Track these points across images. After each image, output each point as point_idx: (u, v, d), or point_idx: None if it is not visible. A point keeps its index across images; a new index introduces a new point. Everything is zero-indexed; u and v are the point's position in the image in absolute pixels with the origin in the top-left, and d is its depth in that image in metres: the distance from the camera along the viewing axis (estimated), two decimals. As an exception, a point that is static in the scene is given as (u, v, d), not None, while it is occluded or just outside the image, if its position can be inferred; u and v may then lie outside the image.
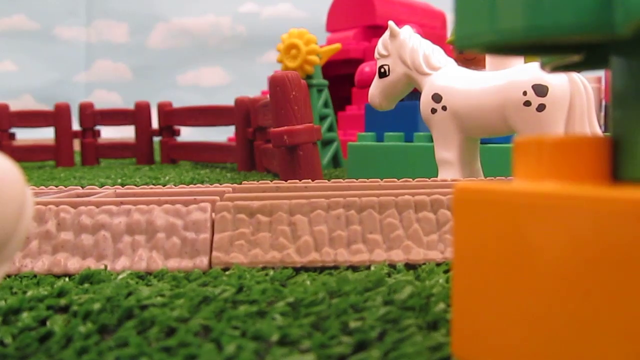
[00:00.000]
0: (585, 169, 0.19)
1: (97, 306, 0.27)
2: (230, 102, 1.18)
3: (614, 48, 0.19)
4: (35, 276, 0.34)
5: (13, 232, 0.19)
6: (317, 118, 1.08)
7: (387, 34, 0.63)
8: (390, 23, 0.62)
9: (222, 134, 1.55)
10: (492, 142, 0.69)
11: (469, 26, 0.19)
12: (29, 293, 0.30)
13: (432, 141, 0.61)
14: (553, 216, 0.17)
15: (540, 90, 0.52)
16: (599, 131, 0.52)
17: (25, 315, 0.27)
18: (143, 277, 0.34)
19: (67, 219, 0.36)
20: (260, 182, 0.46)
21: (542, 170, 0.19)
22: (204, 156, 1.23)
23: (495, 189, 0.19)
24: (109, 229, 0.36)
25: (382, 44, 0.63)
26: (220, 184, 0.46)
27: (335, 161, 1.11)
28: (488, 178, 0.50)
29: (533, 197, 0.18)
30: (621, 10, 0.16)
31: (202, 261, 0.35)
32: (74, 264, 0.35)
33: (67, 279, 0.33)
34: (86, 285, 0.32)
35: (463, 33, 0.20)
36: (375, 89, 0.63)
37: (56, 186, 0.48)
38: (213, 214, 0.36)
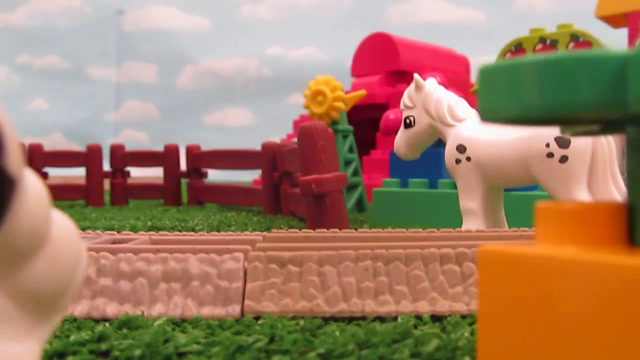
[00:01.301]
0: (603, 234, 0.20)
1: (137, 352, 0.29)
2: (255, 142, 1.20)
3: (630, 120, 0.21)
4: (75, 320, 0.36)
5: (69, 285, 0.21)
6: (343, 163, 1.10)
7: (412, 85, 0.65)
8: (416, 76, 0.64)
9: (248, 175, 1.58)
10: (516, 190, 0.70)
11: (493, 100, 0.21)
12: (72, 337, 0.31)
13: (456, 188, 0.63)
14: (572, 279, 0.18)
15: (563, 142, 0.53)
16: (621, 183, 0.53)
17: (70, 359, 0.29)
18: (178, 323, 0.35)
19: (107, 266, 0.38)
20: (290, 230, 0.48)
21: (562, 235, 0.20)
22: (230, 199, 1.26)
23: (518, 252, 0.20)
24: (146, 276, 0.37)
25: (407, 96, 0.65)
26: (251, 232, 0.48)
27: (360, 205, 1.12)
28: (512, 228, 0.51)
29: (553, 261, 0.19)
30: (634, 89, 0.18)
31: (235, 309, 0.36)
32: (112, 309, 0.37)
33: (106, 323, 0.35)
34: (125, 330, 0.33)
35: (487, 106, 0.21)
36: (401, 139, 0.65)
37: (89, 228, 0.50)
38: (245, 263, 0.38)
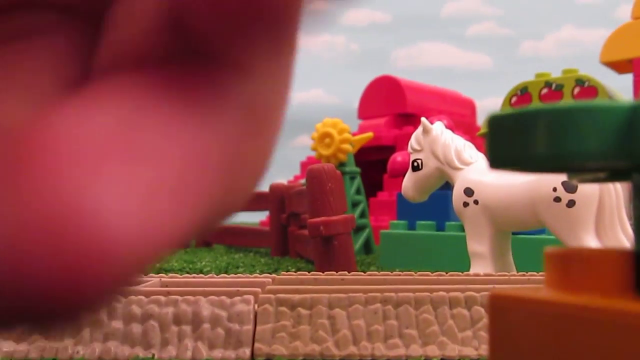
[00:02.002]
0: (611, 281, 0.20)
1: (149, 396, 0.29)
2: (262, 184, 1.21)
3: (637, 168, 0.21)
4: (86, 363, 0.36)
5: None
6: (350, 205, 1.11)
7: (420, 129, 0.66)
8: (423, 119, 0.65)
9: (255, 217, 1.58)
10: (523, 234, 0.70)
11: (501, 149, 0.21)
12: (83, 381, 0.32)
13: (463, 231, 0.63)
14: (583, 326, 0.19)
15: (570, 186, 0.54)
16: (629, 229, 0.54)
17: (82, 403, 0.29)
18: (189, 367, 0.35)
19: (118, 308, 0.38)
20: (298, 273, 0.48)
21: (571, 281, 0.21)
22: (238, 240, 1.26)
23: (529, 297, 0.20)
24: (157, 319, 0.38)
25: (415, 139, 0.65)
26: (259, 274, 0.48)
27: (367, 247, 1.12)
28: (520, 272, 0.51)
29: (564, 308, 0.19)
30: (640, 140, 0.18)
31: (245, 352, 0.36)
32: (124, 351, 0.37)
33: (117, 367, 0.35)
34: (136, 374, 0.33)
35: (495, 154, 0.22)
36: (409, 181, 0.65)
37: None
38: (256, 306, 0.38)
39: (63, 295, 0.06)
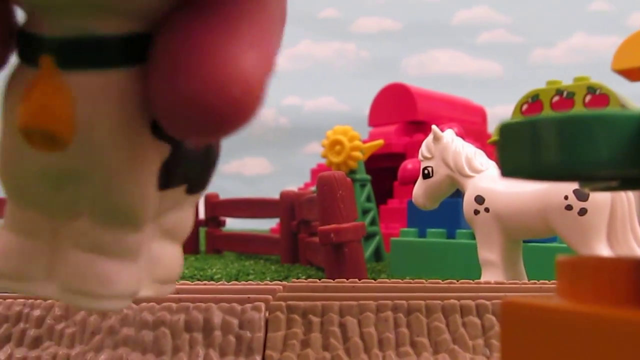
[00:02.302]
0: (623, 291, 0.20)
1: (160, 403, 0.29)
2: (273, 191, 1.21)
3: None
4: (97, 370, 0.36)
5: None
6: (360, 212, 1.11)
7: (430, 136, 0.66)
8: (434, 127, 0.65)
9: (265, 224, 1.58)
10: (535, 242, 0.70)
11: (513, 158, 0.21)
12: (95, 387, 0.32)
13: (474, 238, 0.63)
14: (595, 334, 0.18)
15: (582, 194, 0.54)
16: (640, 236, 0.53)
17: (94, 409, 0.29)
18: (200, 374, 0.35)
19: (130, 315, 0.38)
20: (309, 280, 0.48)
21: (582, 290, 0.21)
22: (248, 247, 1.26)
23: (541, 305, 0.20)
24: (169, 326, 0.38)
25: (425, 147, 0.65)
26: (271, 280, 0.48)
27: (378, 255, 1.12)
28: (532, 281, 0.51)
29: (576, 316, 0.19)
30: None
31: (256, 359, 0.36)
32: (135, 358, 0.37)
33: (128, 373, 0.35)
34: (147, 380, 0.33)
35: (507, 163, 0.22)
36: (419, 189, 0.65)
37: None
38: (267, 313, 0.38)
39: (233, 109, 0.13)
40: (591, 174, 0.21)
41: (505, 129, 0.22)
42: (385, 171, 1.42)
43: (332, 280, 0.48)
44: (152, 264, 0.23)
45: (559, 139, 0.20)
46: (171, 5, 0.17)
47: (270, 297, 0.39)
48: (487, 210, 0.59)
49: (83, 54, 0.18)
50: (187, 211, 0.25)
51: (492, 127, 1.66)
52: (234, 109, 0.15)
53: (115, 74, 0.18)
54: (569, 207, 0.54)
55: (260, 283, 0.47)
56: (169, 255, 0.25)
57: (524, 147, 0.21)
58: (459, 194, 0.66)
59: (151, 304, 0.39)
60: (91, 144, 0.18)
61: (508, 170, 0.22)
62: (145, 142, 0.19)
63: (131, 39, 0.18)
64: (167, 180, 0.20)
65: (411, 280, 0.48)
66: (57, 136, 0.17)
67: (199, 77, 0.15)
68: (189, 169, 0.21)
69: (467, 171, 0.62)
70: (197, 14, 0.16)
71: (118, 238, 0.20)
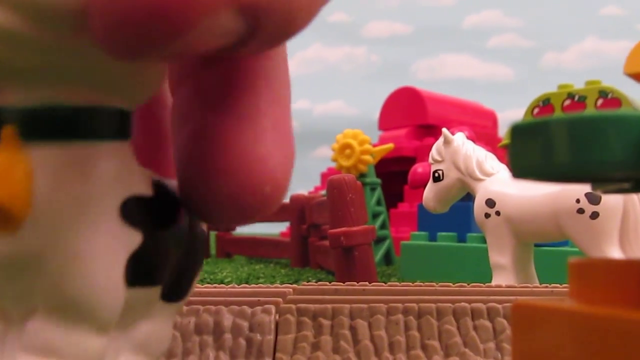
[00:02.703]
0: (635, 293, 0.20)
1: (170, 405, 0.29)
2: (284, 196, 1.21)
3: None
4: (108, 371, 0.36)
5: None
6: (371, 216, 1.11)
7: (441, 140, 0.65)
8: (444, 130, 0.65)
9: (275, 228, 1.59)
10: (547, 246, 0.69)
11: (524, 158, 0.21)
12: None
13: (485, 242, 0.63)
14: (606, 336, 0.18)
15: (594, 198, 0.53)
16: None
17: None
18: (210, 376, 0.35)
19: (140, 317, 0.38)
20: (319, 283, 0.48)
21: (595, 292, 0.20)
22: (258, 251, 1.26)
23: (552, 307, 0.20)
24: (179, 329, 0.38)
25: (436, 150, 0.65)
26: (281, 284, 0.48)
27: (388, 258, 1.12)
28: (543, 284, 0.50)
29: (588, 318, 0.19)
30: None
31: (266, 362, 0.36)
32: (145, 360, 0.37)
33: (139, 375, 0.35)
34: (157, 382, 0.33)
35: (518, 164, 0.22)
36: (430, 192, 0.65)
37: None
38: (277, 316, 0.38)
39: (182, 11, 0.12)
40: (603, 175, 0.21)
41: (517, 130, 0.22)
42: (395, 175, 1.41)
43: (342, 283, 0.48)
44: None
45: (570, 139, 0.20)
46: (152, 87, 0.16)
47: (280, 299, 0.39)
48: (498, 213, 0.59)
49: (46, 124, 0.16)
50: (163, 324, 0.20)
51: (502, 131, 1.66)
52: (266, 204, 0.16)
53: (82, 149, 0.16)
54: (580, 211, 0.53)
55: (271, 286, 0.47)
56: None
57: (535, 148, 0.21)
58: (469, 197, 0.66)
59: (162, 306, 0.39)
60: (48, 224, 0.16)
61: (519, 171, 0.22)
62: (112, 226, 0.16)
63: (102, 112, 0.16)
64: (136, 275, 0.17)
65: (422, 284, 0.48)
66: (10, 212, 0.15)
67: (236, 180, 0.15)
68: (164, 266, 0.18)
69: (478, 174, 0.62)
70: (223, 115, 0.17)
71: (75, 341, 0.17)
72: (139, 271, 0.17)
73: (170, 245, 0.18)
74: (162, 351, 0.20)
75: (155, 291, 0.19)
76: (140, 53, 0.12)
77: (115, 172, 0.16)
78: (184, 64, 0.18)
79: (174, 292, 0.20)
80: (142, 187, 0.17)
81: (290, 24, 0.13)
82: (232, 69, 0.16)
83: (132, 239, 0.17)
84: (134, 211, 0.17)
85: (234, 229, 1.40)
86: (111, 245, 0.17)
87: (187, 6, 0.11)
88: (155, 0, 0.11)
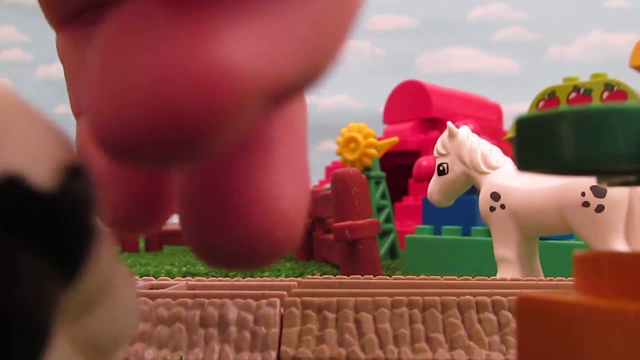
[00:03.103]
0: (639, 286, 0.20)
1: (176, 397, 0.29)
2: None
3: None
4: (114, 364, 0.37)
5: (127, 334, 0.20)
6: (375, 209, 1.11)
7: (445, 133, 0.65)
8: (449, 123, 0.65)
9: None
10: (552, 239, 0.69)
11: (529, 151, 0.21)
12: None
13: (489, 235, 0.63)
14: (612, 329, 0.18)
15: (599, 191, 0.53)
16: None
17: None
18: (215, 369, 0.35)
19: (146, 311, 0.39)
20: (324, 276, 0.48)
21: (600, 285, 0.20)
22: (263, 244, 1.26)
23: (557, 300, 0.20)
24: (184, 322, 0.38)
25: (441, 143, 0.65)
26: (286, 277, 0.49)
27: (392, 252, 1.12)
28: (548, 277, 0.50)
29: (593, 311, 0.19)
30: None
31: (271, 355, 0.36)
32: (150, 354, 0.37)
33: (144, 368, 0.36)
34: (163, 375, 0.34)
35: (523, 157, 0.22)
36: (434, 186, 0.65)
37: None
38: (282, 309, 0.38)
39: (204, 113, 0.09)
40: (608, 168, 0.21)
41: (522, 123, 0.22)
42: (400, 168, 1.41)
43: (347, 277, 0.48)
44: None
45: (576, 132, 0.20)
46: None
47: (285, 293, 0.39)
48: (502, 207, 0.59)
49: None
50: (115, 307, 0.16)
51: (508, 125, 1.66)
52: (278, 251, 0.13)
53: None
54: (586, 204, 0.53)
55: (275, 279, 0.47)
56: None
57: (540, 141, 0.21)
58: (474, 190, 0.66)
59: (167, 299, 0.39)
60: None
61: (524, 163, 0.22)
62: None
63: None
64: None
65: (426, 277, 0.48)
66: None
67: (244, 224, 0.13)
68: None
69: (483, 168, 0.61)
70: (232, 150, 0.14)
71: None
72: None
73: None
74: (121, 342, 0.16)
75: None
76: (170, 163, 0.10)
77: None
78: None
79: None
80: None
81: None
82: None
83: None
84: None
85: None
86: None
87: (205, 106, 0.09)
88: (163, 107, 0.09)
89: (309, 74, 0.11)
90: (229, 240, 0.13)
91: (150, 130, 0.09)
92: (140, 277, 0.49)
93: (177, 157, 0.09)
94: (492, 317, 0.37)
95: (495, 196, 0.59)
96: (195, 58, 0.09)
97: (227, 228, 0.13)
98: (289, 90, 0.11)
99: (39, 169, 0.09)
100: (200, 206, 0.14)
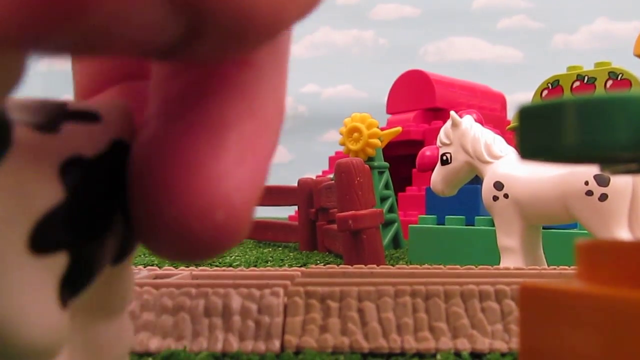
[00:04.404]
0: (645, 273, 0.20)
1: (180, 386, 0.29)
2: (291, 179, 1.21)
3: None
4: (119, 354, 0.37)
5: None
6: (378, 199, 1.11)
7: (449, 123, 0.65)
8: (452, 113, 0.65)
9: (284, 212, 1.59)
10: (554, 228, 0.69)
11: (532, 140, 0.21)
12: (117, 370, 0.32)
13: (493, 225, 0.63)
14: (613, 318, 0.18)
15: (602, 180, 0.53)
16: (662, 222, 0.53)
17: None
18: (220, 358, 0.36)
19: (150, 300, 0.39)
20: (327, 266, 0.48)
21: (603, 273, 0.20)
22: (266, 235, 1.26)
23: (560, 289, 0.20)
24: (188, 311, 0.38)
25: (444, 133, 0.65)
26: (289, 267, 0.49)
27: (396, 242, 1.12)
28: (551, 266, 0.50)
29: (596, 299, 0.19)
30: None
31: (275, 344, 0.37)
32: (155, 343, 0.37)
33: (149, 358, 0.36)
34: (167, 364, 0.34)
35: (526, 146, 0.22)
36: (438, 175, 0.65)
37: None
38: (285, 299, 0.38)
39: (214, 233, 0.12)
40: (611, 156, 0.21)
41: (525, 112, 0.22)
42: (403, 158, 1.41)
43: (350, 266, 0.48)
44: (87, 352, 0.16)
45: (579, 121, 0.20)
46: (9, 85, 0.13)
47: (288, 282, 0.40)
48: (506, 196, 0.59)
49: None
50: (119, 282, 0.17)
51: (511, 114, 1.65)
52: (217, 235, 0.12)
53: None
54: (589, 193, 0.53)
55: (279, 269, 0.48)
56: (104, 337, 0.17)
57: (543, 130, 0.21)
58: (477, 180, 0.66)
59: (171, 289, 0.39)
60: None
61: (527, 152, 0.22)
62: (25, 261, 0.13)
63: None
64: (72, 291, 0.14)
65: (429, 266, 0.48)
66: None
67: (182, 200, 0.12)
68: (103, 264, 0.15)
69: (486, 157, 0.61)
70: (181, 124, 0.13)
71: None
72: (76, 286, 0.14)
73: (106, 245, 0.15)
74: (126, 304, 0.17)
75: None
76: (37, 39, 0.09)
77: (10, 194, 0.13)
78: (155, 75, 0.15)
79: (121, 255, 0.16)
80: (50, 195, 0.14)
81: (247, 29, 0.10)
82: (202, 77, 0.14)
83: (57, 262, 0.14)
84: (48, 233, 0.13)
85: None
86: (31, 282, 0.14)
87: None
88: None
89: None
90: (166, 216, 0.12)
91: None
92: (145, 267, 0.49)
93: (55, 25, 0.09)
94: (495, 306, 0.37)
95: (498, 185, 0.59)
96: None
97: (165, 202, 0.12)
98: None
99: (54, 193, 0.14)
100: (144, 178, 0.13)
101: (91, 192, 0.14)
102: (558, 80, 0.99)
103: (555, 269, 0.48)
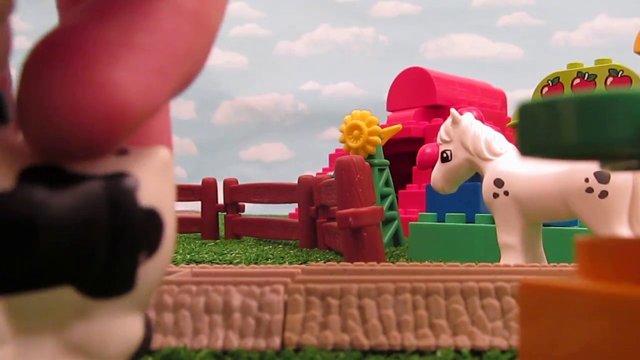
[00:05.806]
0: (644, 270, 0.20)
1: (181, 383, 0.29)
2: (291, 176, 1.21)
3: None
4: (119, 351, 0.37)
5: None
6: (379, 197, 1.11)
7: (449, 120, 0.65)
8: (453, 110, 0.65)
9: (284, 209, 1.59)
10: (555, 226, 0.69)
11: (532, 137, 0.21)
12: (117, 368, 0.32)
13: (493, 222, 0.63)
14: (613, 315, 0.18)
15: (602, 177, 0.53)
16: (663, 219, 0.53)
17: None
18: (220, 356, 0.36)
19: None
20: (328, 263, 0.48)
21: (602, 270, 0.20)
22: (267, 232, 1.26)
23: (559, 286, 0.20)
24: (189, 308, 0.38)
25: (444, 130, 0.65)
26: (290, 264, 0.49)
27: (396, 239, 1.12)
28: (551, 264, 0.50)
29: (595, 297, 0.19)
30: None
31: (275, 341, 0.37)
32: (155, 340, 0.37)
33: (150, 358, 0.36)
34: (168, 361, 0.34)
35: (526, 143, 0.22)
36: (438, 173, 0.65)
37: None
38: (285, 296, 0.38)
39: (101, 132, 0.12)
40: (611, 153, 0.21)
41: (524, 109, 0.22)
42: (403, 156, 1.41)
43: (350, 264, 0.49)
44: None
45: (579, 118, 0.20)
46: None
47: (289, 279, 0.40)
48: (506, 193, 0.59)
49: None
50: (105, 323, 0.16)
51: (512, 111, 1.65)
52: (92, 138, 0.12)
53: None
54: (589, 190, 0.53)
55: (279, 266, 0.48)
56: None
57: (543, 126, 0.21)
58: (478, 177, 0.66)
59: (171, 286, 0.39)
60: None
61: (527, 149, 0.22)
62: None
63: None
64: (11, 281, 0.14)
65: (430, 264, 0.48)
66: None
67: (71, 90, 0.12)
68: (54, 265, 0.14)
69: (486, 154, 0.61)
70: (86, 17, 0.13)
71: None
72: (15, 277, 0.14)
73: (57, 241, 0.14)
74: (116, 353, 0.16)
75: (63, 291, 0.15)
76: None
77: None
78: None
79: (109, 285, 0.15)
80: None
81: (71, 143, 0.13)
82: None
83: None
84: None
85: (242, 209, 1.40)
86: None
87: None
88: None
89: (180, 89, 0.14)
90: (50, 103, 0.12)
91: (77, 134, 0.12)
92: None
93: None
94: (496, 303, 0.37)
95: (498, 183, 0.59)
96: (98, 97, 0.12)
97: (53, 103, 0.12)
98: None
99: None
100: (38, 70, 0.13)
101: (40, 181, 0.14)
102: (558, 78, 0.99)
103: (555, 266, 0.48)
